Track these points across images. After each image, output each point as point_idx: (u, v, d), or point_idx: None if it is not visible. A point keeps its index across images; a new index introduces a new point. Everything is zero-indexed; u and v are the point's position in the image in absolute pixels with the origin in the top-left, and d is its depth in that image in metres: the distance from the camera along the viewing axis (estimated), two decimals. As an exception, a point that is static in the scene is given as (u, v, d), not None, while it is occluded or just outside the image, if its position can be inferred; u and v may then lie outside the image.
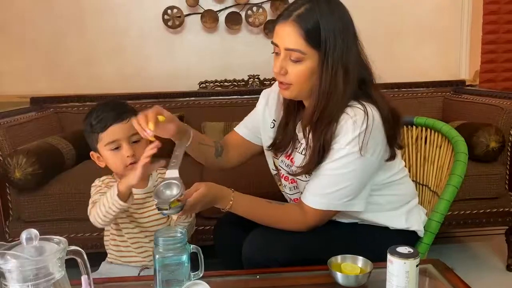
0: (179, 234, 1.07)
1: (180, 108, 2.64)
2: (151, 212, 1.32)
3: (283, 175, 1.34)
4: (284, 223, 1.22)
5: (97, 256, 1.37)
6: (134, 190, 1.32)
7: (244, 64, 2.93)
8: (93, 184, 1.33)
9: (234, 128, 1.44)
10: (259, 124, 1.39)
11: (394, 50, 3.04)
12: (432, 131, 1.51)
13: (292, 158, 1.29)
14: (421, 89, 2.84)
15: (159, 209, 1.03)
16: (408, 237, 1.28)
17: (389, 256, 0.97)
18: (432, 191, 1.46)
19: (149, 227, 1.31)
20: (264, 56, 2.89)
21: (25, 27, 2.88)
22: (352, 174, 1.15)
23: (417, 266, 0.96)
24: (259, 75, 2.89)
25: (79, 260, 0.84)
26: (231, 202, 1.20)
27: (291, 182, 1.32)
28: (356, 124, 1.12)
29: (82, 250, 0.84)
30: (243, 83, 2.89)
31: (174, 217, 1.22)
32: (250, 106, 1.46)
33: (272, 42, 1.18)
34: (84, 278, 0.75)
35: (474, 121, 2.29)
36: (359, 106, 1.15)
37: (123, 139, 1.25)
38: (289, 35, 1.12)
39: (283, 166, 1.33)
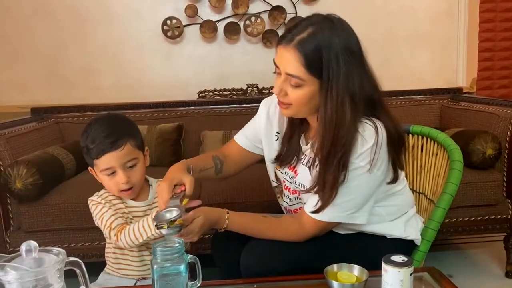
0: (177, 244, 1.08)
1: (179, 117, 2.66)
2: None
3: (286, 186, 1.35)
4: (281, 235, 1.23)
5: (98, 266, 1.39)
6: (134, 203, 1.34)
7: (242, 73, 2.97)
8: (91, 199, 1.33)
9: (234, 137, 1.45)
10: (260, 135, 1.39)
11: (390, 58, 3.07)
12: (428, 139, 1.52)
13: (296, 170, 1.30)
14: (418, 96, 2.85)
15: (157, 227, 1.05)
16: (405, 245, 1.29)
17: (383, 265, 0.98)
18: (429, 199, 1.47)
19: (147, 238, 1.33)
20: (262, 65, 2.95)
21: (25, 37, 2.92)
22: (358, 188, 1.16)
23: (411, 274, 0.97)
24: (257, 84, 2.91)
25: (77, 271, 0.85)
26: (227, 221, 1.22)
27: (293, 193, 1.33)
28: (364, 139, 1.13)
29: (81, 261, 0.86)
30: (242, 92, 2.91)
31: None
32: (249, 115, 1.47)
33: (274, 62, 1.17)
34: None
35: (471, 128, 2.30)
36: (368, 121, 1.15)
37: (118, 167, 1.27)
38: (289, 61, 1.11)
39: (286, 178, 1.34)
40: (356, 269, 1.13)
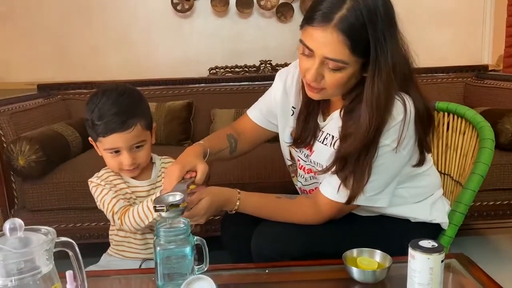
0: (182, 225, 1.00)
1: (190, 95, 2.57)
2: None
3: (301, 165, 1.25)
4: (295, 218, 1.14)
5: (105, 247, 1.32)
6: (137, 183, 1.25)
7: (255, 49, 2.84)
8: (90, 180, 1.25)
9: (247, 112, 1.35)
10: (275, 110, 1.29)
11: (412, 35, 2.90)
12: (455, 117, 1.40)
13: (312, 148, 1.20)
14: (441, 74, 2.71)
15: (156, 210, 0.95)
16: (430, 229, 1.19)
17: (411, 251, 0.88)
18: (455, 181, 1.36)
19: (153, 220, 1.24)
20: (276, 41, 2.82)
21: (33, 15, 2.84)
22: (381, 168, 1.06)
23: (442, 261, 0.87)
24: (271, 61, 2.79)
25: (70, 253, 0.77)
26: (237, 203, 1.12)
27: (308, 172, 1.23)
28: (392, 116, 1.02)
29: (74, 242, 0.77)
30: (255, 69, 2.80)
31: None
32: (261, 93, 1.37)
33: (302, 42, 1.02)
34: (69, 274, 0.67)
35: (498, 107, 2.17)
36: (397, 97, 1.04)
37: (124, 148, 1.18)
38: (330, 44, 0.97)
39: (301, 157, 1.24)
40: (378, 255, 1.03)
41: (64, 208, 1.93)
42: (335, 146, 1.10)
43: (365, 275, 0.98)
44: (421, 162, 1.13)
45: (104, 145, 1.18)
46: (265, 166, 1.92)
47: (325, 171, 1.10)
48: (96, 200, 1.23)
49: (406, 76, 1.05)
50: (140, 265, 1.22)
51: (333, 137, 1.13)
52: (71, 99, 2.57)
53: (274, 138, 1.34)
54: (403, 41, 1.05)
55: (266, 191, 1.86)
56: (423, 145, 1.11)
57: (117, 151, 1.18)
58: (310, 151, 1.20)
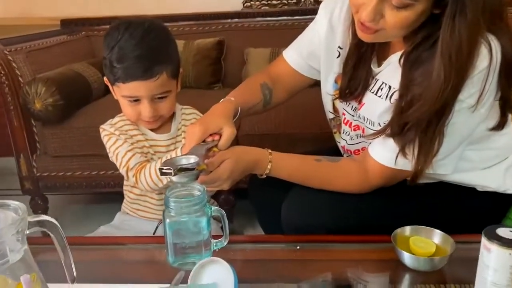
0: (197, 192, 0.83)
1: (221, 32, 2.34)
2: None
3: (346, 120, 1.04)
4: (338, 184, 0.95)
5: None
6: (156, 136, 1.09)
7: (296, -22, 2.52)
8: (103, 127, 1.09)
9: (283, 54, 1.13)
10: (318, 51, 1.06)
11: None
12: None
13: (361, 99, 0.98)
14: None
15: (162, 173, 0.78)
16: (503, 201, 0.97)
17: (485, 241, 0.67)
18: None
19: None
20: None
21: None
22: (452, 129, 0.83)
23: (529, 258, 0.66)
24: (313, -8, 2.48)
25: (52, 236, 0.61)
26: (269, 167, 0.93)
27: (355, 129, 1.02)
28: (472, 65, 0.78)
29: (55, 222, 0.62)
30: (295, 1, 2.50)
31: None
32: (302, 29, 1.14)
33: None
34: (24, 279, 0.52)
35: None
36: (481, 39, 0.79)
37: (146, 97, 1.00)
38: None
39: (347, 109, 1.03)
40: (437, 235, 0.84)
41: (87, 155, 1.81)
42: (392, 99, 0.88)
43: (419, 262, 0.79)
44: (500, 125, 0.90)
45: (122, 91, 1.01)
46: (302, 115, 1.70)
47: (377, 133, 0.89)
48: (108, 151, 1.08)
49: (494, 12, 0.80)
50: (155, 230, 1.08)
51: (390, 87, 0.90)
52: (95, 35, 2.39)
53: (315, 82, 1.13)
54: None
55: (304, 143, 1.69)
56: (506, 104, 0.87)
57: (136, 100, 1.01)
58: (359, 103, 0.98)
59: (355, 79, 0.98)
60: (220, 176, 0.88)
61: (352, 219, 0.94)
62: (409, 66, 0.85)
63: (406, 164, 0.88)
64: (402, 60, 0.87)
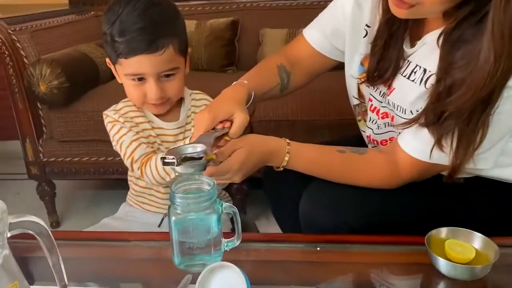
0: (206, 187, 0.75)
1: (235, 11, 2.23)
2: None
3: (373, 107, 0.93)
4: (365, 178, 0.85)
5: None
6: (163, 124, 1.00)
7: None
8: (106, 113, 1.00)
9: (304, 33, 1.03)
10: (343, 29, 0.96)
11: None
12: None
13: (392, 84, 0.88)
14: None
15: (164, 163, 0.69)
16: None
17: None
18: None
19: None
20: None
21: None
22: (498, 117, 0.73)
23: None
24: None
25: (39, 239, 0.53)
26: (286, 159, 0.83)
27: (383, 117, 0.91)
28: None
29: (43, 224, 0.53)
30: (313, -21, 2.36)
31: None
32: (322, 9, 1.04)
33: None
34: None
35: None
36: None
37: (151, 75, 0.91)
38: None
39: (374, 95, 0.93)
40: (478, 239, 0.74)
41: (95, 140, 1.74)
42: (428, 84, 0.78)
43: (456, 270, 0.69)
44: None
45: (125, 69, 0.92)
46: (321, 100, 1.60)
47: (410, 122, 0.79)
48: (111, 139, 0.99)
49: None
50: (161, 222, 1.00)
51: (425, 70, 0.80)
52: (104, 16, 2.30)
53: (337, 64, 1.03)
54: None
55: (321, 132, 1.59)
56: None
57: (141, 79, 0.92)
58: (389, 88, 0.88)
59: (385, 61, 0.87)
60: (230, 167, 0.78)
61: (378, 217, 0.85)
62: (449, 46, 0.75)
63: (443, 157, 0.78)
64: (441, 40, 0.76)
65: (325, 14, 1.01)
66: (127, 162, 0.96)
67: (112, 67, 0.97)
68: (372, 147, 0.98)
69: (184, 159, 0.69)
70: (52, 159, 1.78)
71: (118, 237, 0.87)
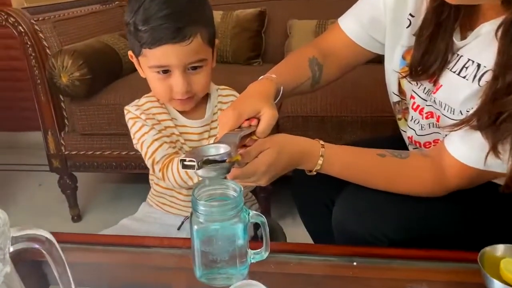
0: (232, 192, 0.68)
1: (262, 2, 2.14)
2: None
3: (416, 105, 0.84)
4: (406, 184, 0.77)
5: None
6: (187, 122, 0.94)
7: None
8: (127, 108, 0.94)
9: (339, 22, 0.94)
10: (383, 19, 0.87)
11: None
12: None
13: (438, 80, 0.79)
14: None
15: (184, 165, 0.62)
16: None
17: None
18: None
19: None
20: None
21: None
22: None
23: None
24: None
25: (46, 255, 0.47)
26: (320, 162, 0.76)
27: (427, 117, 0.82)
28: None
29: (50, 237, 0.47)
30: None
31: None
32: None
33: None
34: None
35: None
36: None
37: (177, 67, 0.85)
38: None
39: (417, 92, 0.84)
40: (540, 260, 0.65)
41: (115, 134, 1.69)
42: (482, 82, 0.69)
43: (517, 295, 0.60)
44: None
45: (149, 60, 0.86)
46: (353, 95, 1.50)
47: (460, 124, 0.70)
48: (132, 137, 0.94)
49: None
50: (181, 225, 0.94)
51: (478, 66, 0.71)
52: (129, 6, 2.26)
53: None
54: None
55: (352, 129, 1.49)
56: None
57: (166, 71, 0.86)
58: (435, 85, 0.79)
59: (431, 54, 0.78)
60: (256, 169, 0.71)
61: (421, 228, 0.77)
62: (510, 39, 0.66)
63: (498, 165, 0.69)
64: (500, 31, 0.67)
65: (363, 1, 0.92)
66: (148, 163, 0.91)
67: (135, 60, 0.91)
68: (413, 148, 0.89)
69: (206, 162, 0.62)
70: (74, 153, 1.74)
71: (136, 242, 0.81)
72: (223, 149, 0.65)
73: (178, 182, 0.85)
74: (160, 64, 0.85)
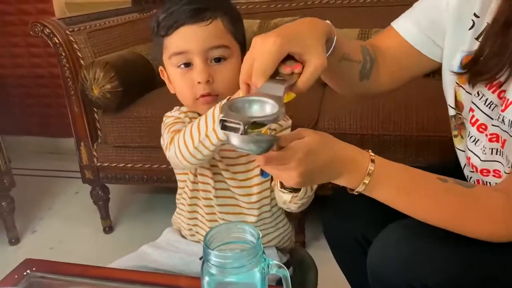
0: (249, 237, 0.60)
1: (302, 10, 2.04)
2: (253, 165, 0.85)
3: (475, 119, 0.73)
4: (475, 221, 0.64)
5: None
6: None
7: None
8: (169, 114, 0.88)
9: (393, 25, 0.84)
10: (444, 20, 0.77)
11: None
12: None
13: (505, 90, 0.67)
14: None
15: (224, 126, 0.49)
16: None
17: None
18: None
19: (247, 189, 0.86)
20: None
21: None
22: None
23: None
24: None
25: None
26: (366, 181, 0.62)
27: (491, 140, 0.71)
28: None
29: None
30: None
31: (287, 197, 0.73)
32: (401, 6, 0.86)
33: None
34: None
35: None
36: None
37: (197, 53, 0.79)
38: None
39: (478, 104, 0.72)
40: None
41: (147, 147, 1.66)
42: None
43: None
44: None
45: (169, 50, 0.81)
46: (398, 111, 1.38)
47: None
48: (162, 132, 0.86)
49: None
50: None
51: None
52: (166, 15, 2.23)
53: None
54: None
55: (395, 149, 1.38)
56: None
57: (187, 64, 0.80)
58: (500, 97, 0.67)
59: (499, 57, 0.66)
60: (295, 152, 0.58)
61: (474, 278, 0.65)
62: None
63: None
64: None
65: (422, 3, 0.82)
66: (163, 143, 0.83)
67: (164, 73, 0.87)
68: (470, 171, 0.77)
69: (254, 125, 0.48)
70: (106, 164, 1.72)
71: (136, 278, 0.75)
72: (268, 105, 0.51)
73: (184, 154, 0.74)
74: (179, 50, 0.80)
